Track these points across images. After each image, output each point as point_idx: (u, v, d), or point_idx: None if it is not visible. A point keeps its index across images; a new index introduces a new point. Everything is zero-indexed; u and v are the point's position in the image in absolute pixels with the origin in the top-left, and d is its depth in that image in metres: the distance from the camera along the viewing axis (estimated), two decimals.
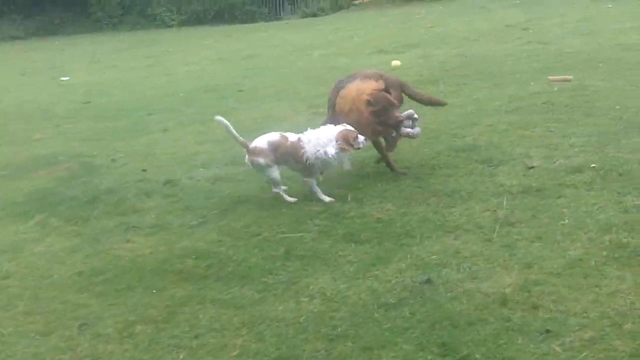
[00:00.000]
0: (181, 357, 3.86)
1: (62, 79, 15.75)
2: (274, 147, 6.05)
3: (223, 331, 4.08)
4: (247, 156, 6.09)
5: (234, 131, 6.12)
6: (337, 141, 5.93)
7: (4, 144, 9.24)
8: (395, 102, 6.49)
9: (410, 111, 6.77)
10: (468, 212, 5.55)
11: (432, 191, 6.10)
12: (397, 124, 6.56)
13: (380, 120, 6.38)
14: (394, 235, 5.22)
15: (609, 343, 3.62)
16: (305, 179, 6.12)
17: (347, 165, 6.33)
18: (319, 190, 6.07)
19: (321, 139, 5.99)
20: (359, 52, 15.52)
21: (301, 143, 6.01)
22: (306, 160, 5.96)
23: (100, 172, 7.61)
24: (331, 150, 5.92)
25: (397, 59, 13.67)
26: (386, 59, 14.06)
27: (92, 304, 4.55)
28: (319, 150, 5.94)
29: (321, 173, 6.20)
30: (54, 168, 7.79)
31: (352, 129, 6.05)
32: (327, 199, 6.01)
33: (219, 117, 6.19)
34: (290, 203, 6.05)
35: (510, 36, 15.46)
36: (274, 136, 6.13)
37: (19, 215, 6.29)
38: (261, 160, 6.01)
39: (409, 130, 6.77)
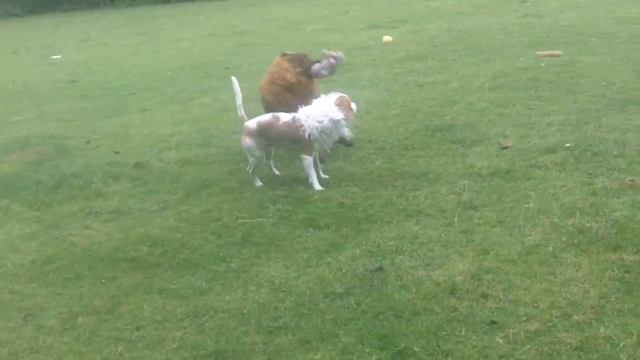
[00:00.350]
0: (119, 350, 3.77)
1: (53, 57, 15.62)
2: (265, 129, 5.87)
3: (164, 323, 3.99)
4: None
5: (239, 100, 6.05)
6: (338, 107, 5.78)
7: None
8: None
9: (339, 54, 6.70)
10: (433, 195, 5.43)
11: (401, 173, 5.98)
12: (314, 62, 6.59)
13: (296, 65, 6.56)
14: (354, 220, 5.11)
15: (555, 335, 3.50)
16: (305, 156, 5.81)
17: (348, 133, 6.12)
18: (314, 173, 5.83)
19: (321, 109, 5.80)
20: (351, 28, 15.30)
21: (297, 122, 5.80)
22: (309, 136, 5.77)
23: (72, 154, 7.51)
24: (337, 115, 5.73)
25: (388, 35, 13.47)
26: (378, 34, 13.86)
27: (39, 294, 4.47)
28: (322, 121, 5.74)
29: (327, 148, 6.07)
30: (26, 151, 7.69)
31: (346, 95, 5.94)
32: (318, 187, 5.78)
33: (234, 78, 6.17)
34: (257, 187, 5.94)
35: (507, 9, 15.21)
36: (265, 117, 6.00)
37: None
38: (247, 141, 5.89)
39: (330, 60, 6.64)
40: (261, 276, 4.41)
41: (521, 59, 9.90)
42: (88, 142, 7.96)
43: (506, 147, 6.26)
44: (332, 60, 6.60)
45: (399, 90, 9.08)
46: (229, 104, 9.17)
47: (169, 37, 17.05)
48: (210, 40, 15.90)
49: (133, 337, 3.88)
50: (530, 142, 6.30)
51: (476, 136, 6.67)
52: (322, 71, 6.62)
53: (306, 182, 5.87)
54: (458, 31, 12.96)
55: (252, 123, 5.95)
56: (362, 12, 17.84)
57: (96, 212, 5.70)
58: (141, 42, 16.73)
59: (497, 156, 6.08)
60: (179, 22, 20.00)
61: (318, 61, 6.60)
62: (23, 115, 9.78)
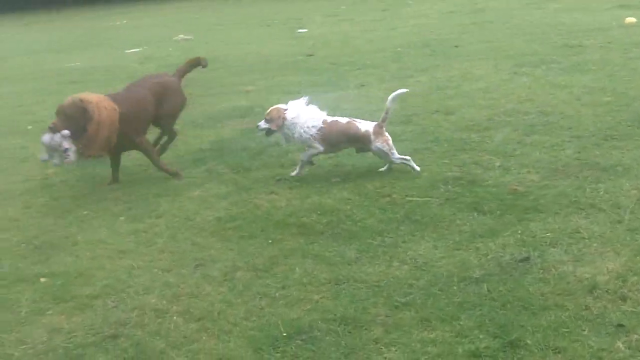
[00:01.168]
0: (262, 305, 4.15)
1: (299, 31, 16.59)
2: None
3: (308, 285, 4.30)
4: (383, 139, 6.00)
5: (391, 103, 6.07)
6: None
7: (215, 94, 10.10)
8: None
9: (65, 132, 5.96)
10: (614, 189, 5.19)
11: (590, 164, 5.75)
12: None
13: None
14: (521, 209, 5.04)
15: None
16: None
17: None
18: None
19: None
20: (596, 7, 14.49)
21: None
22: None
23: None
24: None
25: (633, 16, 12.61)
26: (624, 14, 13.00)
27: (214, 247, 5.00)
28: None
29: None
30: (245, 120, 8.41)
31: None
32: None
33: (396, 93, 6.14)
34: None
35: None
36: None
37: (195, 161, 6.94)
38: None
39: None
40: (408, 253, 4.56)
41: None
42: None
43: None
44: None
45: (623, 77, 8.56)
46: (443, 84, 9.29)
47: (409, 14, 17.33)
48: (448, 17, 15.92)
49: (277, 294, 4.24)
50: None
51: None
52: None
53: (486, 166, 5.90)
54: None
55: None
56: None
57: (285, 179, 6.16)
58: (382, 19, 17.18)
59: None
60: None
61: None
62: (255, 85, 10.63)
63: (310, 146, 6.10)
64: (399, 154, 6.00)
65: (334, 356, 3.57)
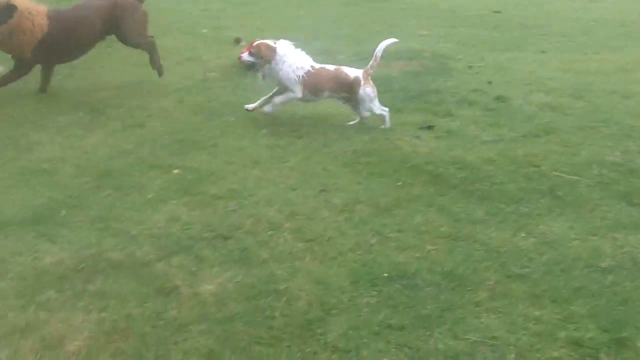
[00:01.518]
0: (373, 241, 4.06)
1: None
2: None
3: (423, 234, 4.14)
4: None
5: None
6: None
7: (393, 33, 9.90)
8: None
9: None
10: None
11: None
12: None
13: None
14: None
15: None
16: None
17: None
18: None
19: None
20: None
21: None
22: None
23: (449, 74, 7.82)
24: None
25: None
26: None
27: (342, 177, 4.94)
28: None
29: None
30: (413, 62, 8.21)
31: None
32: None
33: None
34: None
35: None
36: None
37: None
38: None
39: None
40: (540, 227, 4.27)
41: None
42: (470, 67, 8.19)
43: None
44: None
45: None
46: (630, 66, 8.58)
47: None
48: None
49: (391, 235, 4.13)
50: None
51: None
52: None
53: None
54: None
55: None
56: None
57: (433, 127, 5.96)
58: None
59: None
60: None
61: None
62: (432, 31, 10.34)
63: (291, 89, 5.94)
64: None
65: (430, 307, 3.44)
